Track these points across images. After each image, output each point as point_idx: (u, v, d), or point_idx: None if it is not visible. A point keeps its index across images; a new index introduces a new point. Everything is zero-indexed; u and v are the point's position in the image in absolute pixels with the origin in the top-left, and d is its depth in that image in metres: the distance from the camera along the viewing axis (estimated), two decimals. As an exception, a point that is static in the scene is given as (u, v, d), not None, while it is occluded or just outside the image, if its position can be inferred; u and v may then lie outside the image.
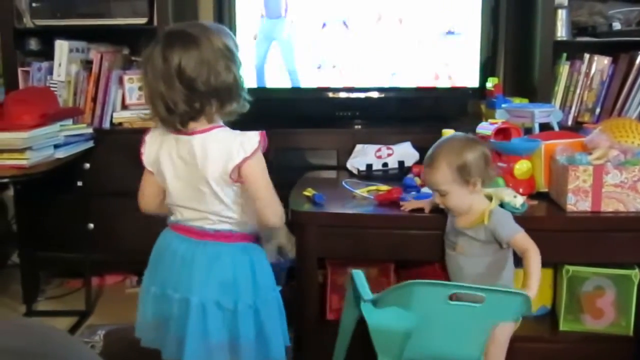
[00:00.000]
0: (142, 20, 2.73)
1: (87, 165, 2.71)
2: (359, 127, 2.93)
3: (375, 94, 2.95)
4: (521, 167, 2.15)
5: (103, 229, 2.78)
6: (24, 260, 2.89)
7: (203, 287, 1.57)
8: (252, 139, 1.55)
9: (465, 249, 1.91)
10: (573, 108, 2.81)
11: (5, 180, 2.30)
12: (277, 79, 2.93)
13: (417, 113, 2.98)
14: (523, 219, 1.94)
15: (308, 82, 2.94)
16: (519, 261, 1.88)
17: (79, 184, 2.70)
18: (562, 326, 2.11)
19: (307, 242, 2.08)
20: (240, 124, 1.64)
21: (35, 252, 2.86)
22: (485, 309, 1.63)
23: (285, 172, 2.62)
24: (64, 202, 2.73)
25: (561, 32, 2.75)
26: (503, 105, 2.56)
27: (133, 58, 2.99)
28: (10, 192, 3.02)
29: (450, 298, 1.63)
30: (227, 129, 1.61)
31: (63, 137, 2.47)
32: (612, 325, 2.09)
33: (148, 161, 1.64)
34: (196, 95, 1.51)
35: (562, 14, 2.74)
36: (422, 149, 2.40)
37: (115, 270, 3.01)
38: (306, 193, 2.21)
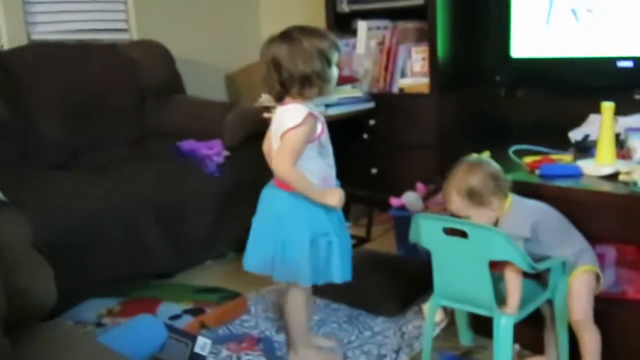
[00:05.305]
0: (420, 1, 3.24)
1: (372, 122, 3.37)
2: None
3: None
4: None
5: (384, 173, 3.42)
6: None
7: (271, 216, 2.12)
8: (299, 116, 1.98)
9: None
10: None
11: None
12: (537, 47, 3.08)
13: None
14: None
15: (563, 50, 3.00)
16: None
17: (365, 136, 3.39)
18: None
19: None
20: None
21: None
22: (473, 243, 1.85)
23: (536, 136, 2.79)
24: (354, 150, 3.43)
25: None
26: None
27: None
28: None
29: (446, 232, 1.90)
30: (296, 105, 2.03)
31: (336, 99, 3.15)
32: None
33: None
34: (282, 79, 2.00)
35: None
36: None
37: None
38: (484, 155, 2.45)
